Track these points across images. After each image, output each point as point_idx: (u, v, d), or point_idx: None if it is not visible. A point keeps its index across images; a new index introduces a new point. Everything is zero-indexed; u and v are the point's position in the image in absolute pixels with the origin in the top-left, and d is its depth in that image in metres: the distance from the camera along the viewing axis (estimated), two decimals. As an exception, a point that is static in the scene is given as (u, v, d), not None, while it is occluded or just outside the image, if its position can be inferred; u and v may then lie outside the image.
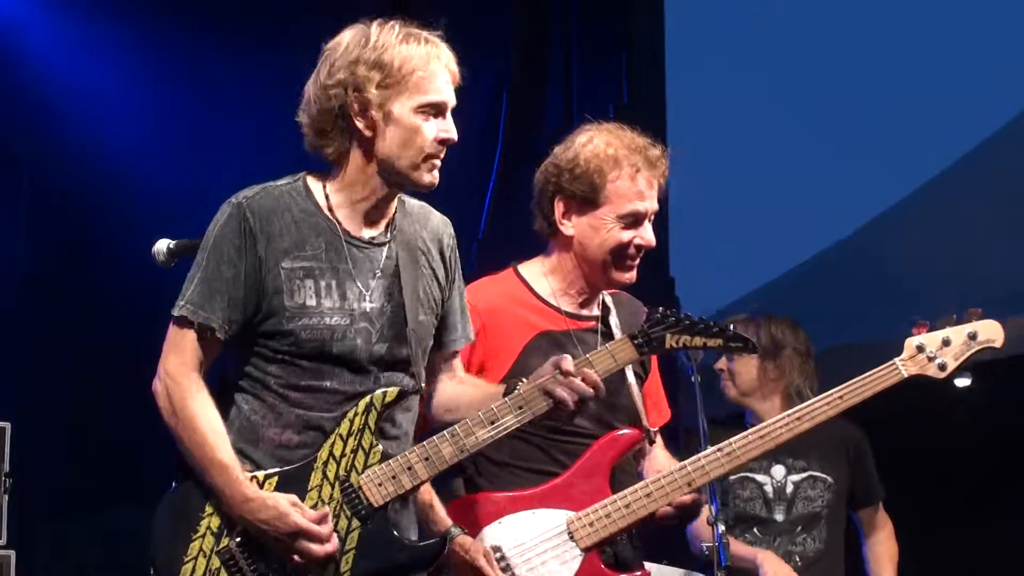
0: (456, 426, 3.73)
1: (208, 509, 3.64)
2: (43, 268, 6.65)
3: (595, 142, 4.29)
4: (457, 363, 4.01)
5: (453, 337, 3.94)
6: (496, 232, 7.05)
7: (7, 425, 5.94)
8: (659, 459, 4.38)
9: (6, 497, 5.85)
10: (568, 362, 3.79)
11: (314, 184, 3.77)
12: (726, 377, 5.79)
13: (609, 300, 4.43)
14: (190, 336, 3.66)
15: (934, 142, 7.43)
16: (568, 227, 4.31)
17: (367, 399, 3.69)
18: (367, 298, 3.73)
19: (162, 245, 4.09)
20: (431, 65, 3.69)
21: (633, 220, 4.27)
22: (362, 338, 3.70)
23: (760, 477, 5.64)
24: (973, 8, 7.36)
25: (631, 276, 4.32)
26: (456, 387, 3.97)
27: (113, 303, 6.53)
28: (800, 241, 7.47)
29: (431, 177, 3.71)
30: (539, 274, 4.38)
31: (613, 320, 4.38)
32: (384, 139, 3.70)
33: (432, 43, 3.71)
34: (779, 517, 5.70)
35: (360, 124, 3.69)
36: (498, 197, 7.13)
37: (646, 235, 4.27)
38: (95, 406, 6.51)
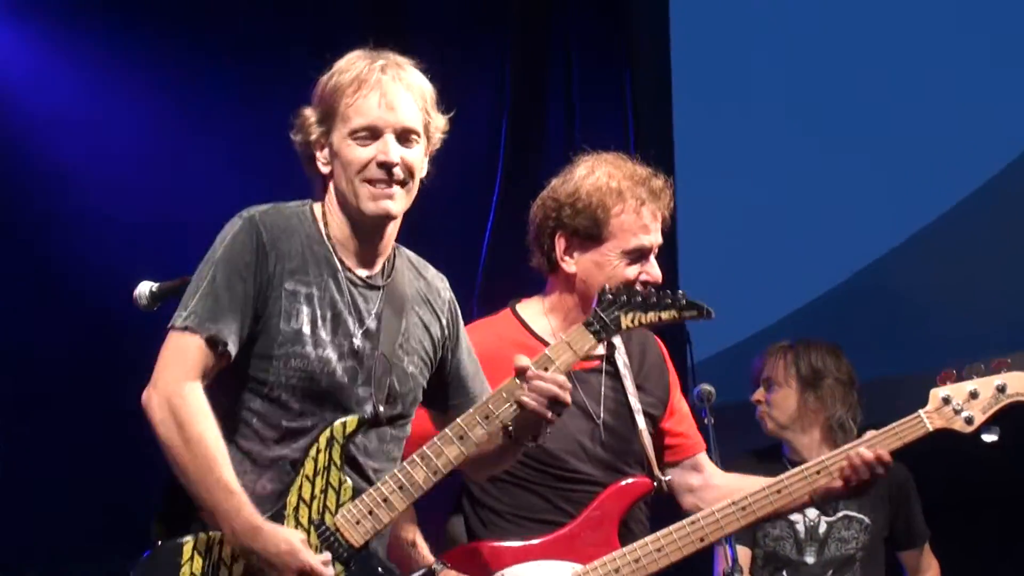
0: (425, 447, 3.62)
1: (185, 553, 3.49)
2: (15, 319, 6.48)
3: (596, 174, 4.20)
4: None
5: (459, 402, 3.85)
6: (497, 260, 6.93)
7: None
8: (722, 485, 4.30)
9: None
10: (523, 360, 3.66)
11: (319, 213, 3.70)
12: (763, 409, 5.62)
13: (616, 339, 4.32)
14: (195, 348, 3.52)
15: (964, 163, 7.15)
16: (570, 264, 4.22)
17: (327, 432, 3.58)
18: (358, 337, 3.63)
19: (144, 288, 3.91)
20: (362, 87, 3.60)
21: (639, 255, 4.19)
22: (349, 377, 3.60)
23: (792, 515, 5.36)
24: (1003, 27, 7.08)
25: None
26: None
27: (93, 352, 6.42)
28: (821, 269, 7.29)
29: (375, 206, 3.62)
30: (538, 313, 4.29)
31: (620, 358, 4.28)
32: (335, 175, 3.65)
33: (370, 63, 3.63)
34: (810, 559, 5.53)
35: (318, 164, 3.67)
36: (499, 222, 7.01)
37: (652, 271, 4.19)
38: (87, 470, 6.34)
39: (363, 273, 3.70)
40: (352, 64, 3.67)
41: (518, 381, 3.64)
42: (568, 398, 3.66)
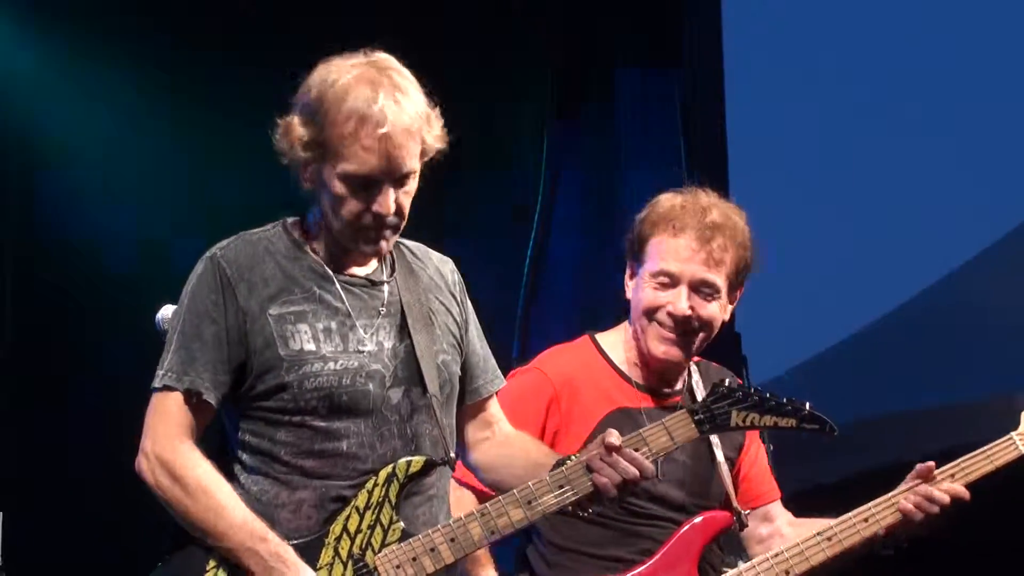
0: (488, 504, 3.54)
1: (211, 562, 3.44)
2: (28, 343, 6.48)
3: (659, 200, 4.17)
4: (495, 414, 3.80)
5: (481, 382, 3.76)
6: (540, 277, 6.85)
7: None
8: (791, 534, 4.21)
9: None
10: (615, 437, 3.55)
11: (295, 227, 3.61)
12: None
13: (696, 372, 4.28)
14: (176, 403, 3.48)
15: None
16: (628, 289, 4.20)
17: (388, 469, 3.49)
18: (372, 339, 3.54)
19: (167, 311, 3.77)
20: (361, 130, 3.44)
21: (667, 281, 4.09)
22: (375, 382, 3.51)
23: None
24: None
25: (668, 351, 4.13)
26: (498, 449, 3.77)
27: (107, 382, 6.29)
28: (883, 290, 6.97)
29: (371, 248, 3.56)
30: (616, 343, 4.24)
31: (700, 395, 4.18)
32: (321, 201, 3.54)
33: (376, 96, 3.44)
34: None
35: (301, 178, 3.54)
36: (542, 238, 6.92)
37: (678, 303, 4.08)
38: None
39: (362, 272, 3.61)
40: (348, 87, 3.46)
41: (602, 455, 3.54)
42: (638, 484, 3.58)
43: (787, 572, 4.03)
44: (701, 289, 4.08)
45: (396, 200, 3.49)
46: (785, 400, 3.68)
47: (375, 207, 3.47)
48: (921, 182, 7.00)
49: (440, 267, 3.73)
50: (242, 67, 6.60)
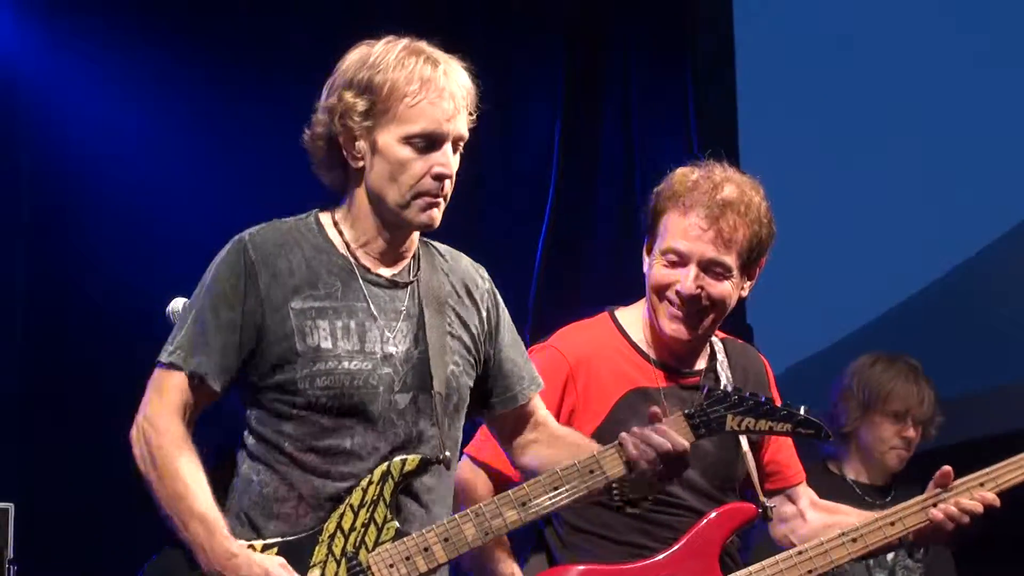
0: (482, 504, 3.58)
1: None
2: (41, 333, 6.52)
3: (674, 174, 4.14)
4: (542, 415, 3.83)
5: (519, 388, 3.78)
6: (552, 266, 6.87)
7: (10, 507, 5.53)
8: (815, 518, 4.25)
9: (11, 586, 5.59)
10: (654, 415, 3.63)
11: (326, 219, 3.65)
12: (902, 450, 5.22)
13: (719, 348, 4.26)
14: (176, 381, 3.52)
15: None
16: (645, 264, 4.19)
17: (384, 467, 3.53)
18: (390, 341, 3.57)
19: (178, 304, 3.82)
20: (425, 90, 3.52)
21: (677, 260, 4.07)
22: (384, 386, 3.55)
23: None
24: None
25: (677, 329, 4.11)
26: (547, 450, 3.79)
27: (118, 373, 6.11)
28: (898, 277, 6.95)
29: (425, 217, 3.56)
30: (635, 320, 4.23)
31: (723, 373, 4.17)
32: (372, 172, 3.56)
33: (434, 63, 3.55)
34: None
35: (348, 155, 3.56)
36: (554, 223, 6.95)
37: (685, 282, 4.05)
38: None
39: (387, 272, 3.64)
40: (402, 57, 3.55)
41: (595, 456, 3.61)
42: (679, 458, 3.61)
43: (810, 572, 4.02)
44: (711, 268, 4.06)
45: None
46: (780, 405, 3.72)
47: (436, 168, 3.53)
48: (934, 165, 6.96)
49: (468, 272, 3.75)
50: (257, 54, 6.64)
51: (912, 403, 5.40)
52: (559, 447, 3.78)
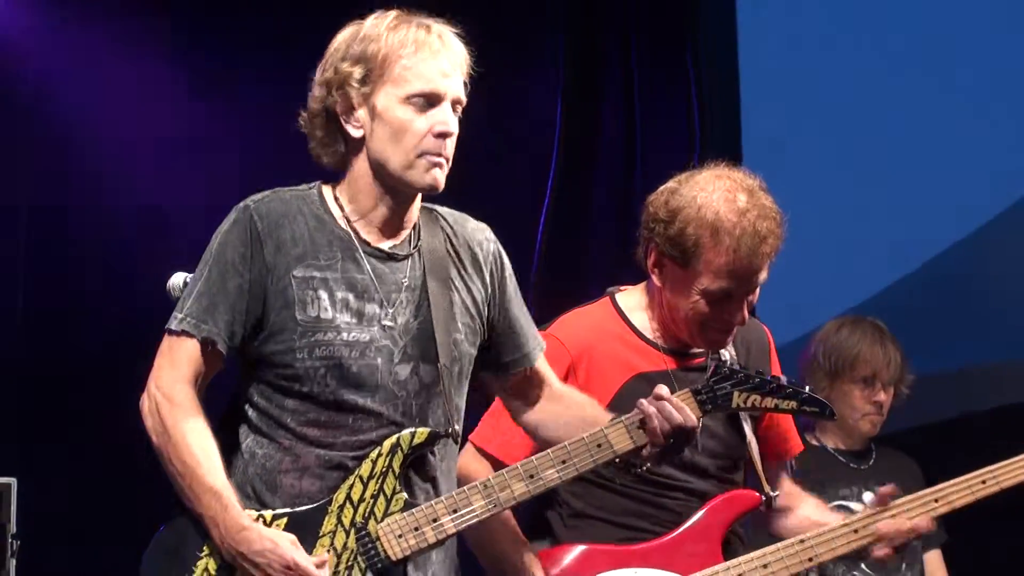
0: (491, 476, 3.63)
1: (206, 549, 3.50)
2: (42, 307, 6.52)
3: (700, 202, 4.04)
4: (545, 374, 3.86)
5: (527, 350, 3.81)
6: (552, 254, 6.89)
7: (12, 481, 5.58)
8: (806, 509, 4.30)
9: (14, 562, 5.50)
10: (663, 390, 3.66)
11: (327, 192, 3.68)
12: (875, 416, 5.24)
13: None
14: (189, 349, 3.54)
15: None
16: (657, 278, 4.15)
17: (393, 439, 3.56)
18: (389, 314, 3.59)
19: (178, 279, 3.83)
20: (420, 51, 3.56)
21: (721, 297, 4.06)
22: (383, 357, 3.57)
23: (854, 505, 5.23)
24: None
25: (719, 342, 4.14)
26: (550, 404, 3.85)
27: (121, 346, 6.26)
28: (896, 253, 7.04)
29: (430, 178, 3.57)
30: (638, 306, 4.23)
31: (727, 352, 4.17)
32: (373, 139, 3.58)
33: (427, 28, 3.60)
34: None
35: (348, 126, 3.59)
36: (555, 204, 6.97)
37: (738, 315, 4.08)
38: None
39: (387, 245, 3.66)
40: (398, 24, 3.61)
41: (650, 402, 3.65)
42: (689, 433, 3.66)
43: (811, 559, 4.04)
44: (754, 289, 4.09)
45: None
46: (786, 383, 3.76)
47: (438, 127, 3.56)
48: (932, 140, 6.95)
49: (474, 235, 3.77)
50: (253, 39, 6.64)
51: (879, 366, 5.35)
52: (560, 402, 3.84)
